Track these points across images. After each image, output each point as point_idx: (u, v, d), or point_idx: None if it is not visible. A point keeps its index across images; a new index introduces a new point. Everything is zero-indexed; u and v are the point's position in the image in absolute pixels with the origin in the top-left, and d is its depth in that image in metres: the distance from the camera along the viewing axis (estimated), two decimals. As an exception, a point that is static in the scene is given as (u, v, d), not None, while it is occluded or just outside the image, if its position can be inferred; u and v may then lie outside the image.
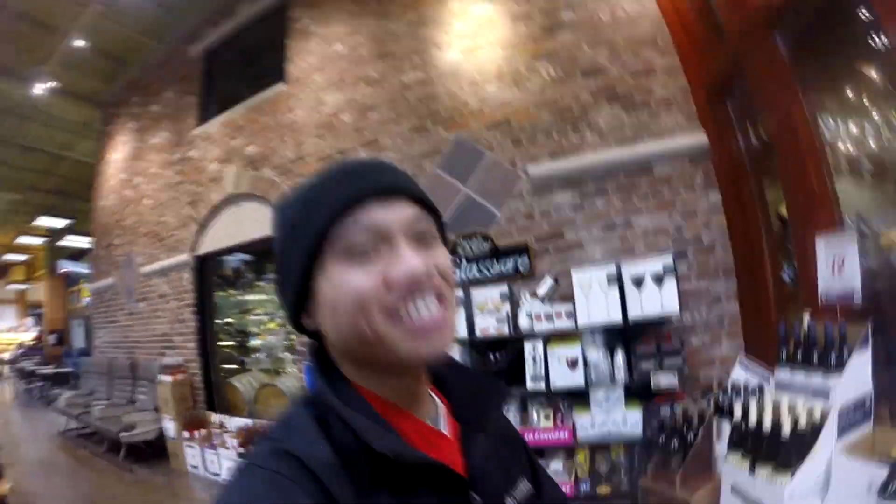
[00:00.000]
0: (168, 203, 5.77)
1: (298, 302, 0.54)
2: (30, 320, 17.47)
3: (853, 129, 2.62)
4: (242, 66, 5.49)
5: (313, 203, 0.52)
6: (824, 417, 1.39)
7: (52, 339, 14.32)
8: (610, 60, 3.33)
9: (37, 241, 14.28)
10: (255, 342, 5.73)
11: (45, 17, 5.54)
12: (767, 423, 1.41)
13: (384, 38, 4.13)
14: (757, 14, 2.60)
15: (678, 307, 2.66)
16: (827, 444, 1.37)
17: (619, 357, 2.73)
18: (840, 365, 1.53)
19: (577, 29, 3.44)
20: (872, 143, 2.54)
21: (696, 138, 3.10)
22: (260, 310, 5.67)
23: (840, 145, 2.63)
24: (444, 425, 0.61)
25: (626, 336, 2.84)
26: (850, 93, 2.57)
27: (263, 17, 5.25)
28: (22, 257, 16.38)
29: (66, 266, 13.71)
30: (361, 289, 0.49)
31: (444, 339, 0.53)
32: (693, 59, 3.24)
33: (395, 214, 0.51)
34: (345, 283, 0.50)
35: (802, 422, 1.36)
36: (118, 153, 6.95)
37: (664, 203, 3.11)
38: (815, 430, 1.37)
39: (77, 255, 13.86)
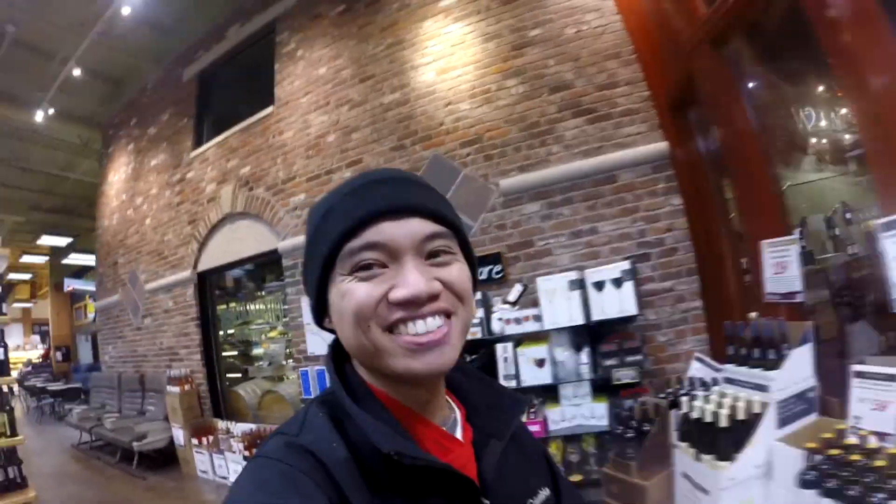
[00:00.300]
0: (169, 223, 6.13)
1: (319, 305, 0.58)
2: (36, 337, 17.92)
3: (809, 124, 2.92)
4: (234, 89, 5.84)
5: (331, 216, 0.55)
6: (763, 410, 1.51)
7: (59, 355, 14.73)
8: (575, 75, 3.62)
9: (40, 259, 14.69)
10: (257, 351, 6.07)
11: (44, 45, 5.90)
12: (710, 416, 1.55)
13: (365, 61, 4.45)
14: (703, 30, 2.86)
15: (636, 308, 2.96)
16: (766, 435, 1.50)
17: (584, 355, 3.04)
18: (778, 361, 1.67)
19: (544, 45, 3.73)
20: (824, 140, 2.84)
21: (658, 146, 3.37)
22: (261, 320, 6.01)
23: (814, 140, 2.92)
24: (460, 431, 0.62)
25: (591, 335, 3.14)
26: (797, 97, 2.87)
27: (252, 41, 5.60)
28: (26, 276, 16.81)
29: (72, 283, 14.11)
30: (362, 303, 0.51)
31: (443, 356, 0.53)
32: (655, 71, 3.50)
33: (405, 231, 0.53)
34: (347, 296, 0.52)
35: (742, 414, 1.50)
36: (119, 174, 7.32)
37: (628, 209, 3.39)
38: (753, 422, 1.50)
39: (80, 271, 14.26)
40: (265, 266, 5.58)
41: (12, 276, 15.98)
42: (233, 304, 6.21)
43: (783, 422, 1.56)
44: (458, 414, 0.64)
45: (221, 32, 5.82)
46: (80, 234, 12.54)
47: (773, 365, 1.70)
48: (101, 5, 5.18)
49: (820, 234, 2.92)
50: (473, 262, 0.60)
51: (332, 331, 0.60)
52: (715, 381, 2.09)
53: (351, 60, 4.54)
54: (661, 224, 3.34)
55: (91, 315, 13.29)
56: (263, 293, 5.92)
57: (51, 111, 6.82)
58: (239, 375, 5.94)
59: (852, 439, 1.27)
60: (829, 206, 2.95)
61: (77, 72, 6.14)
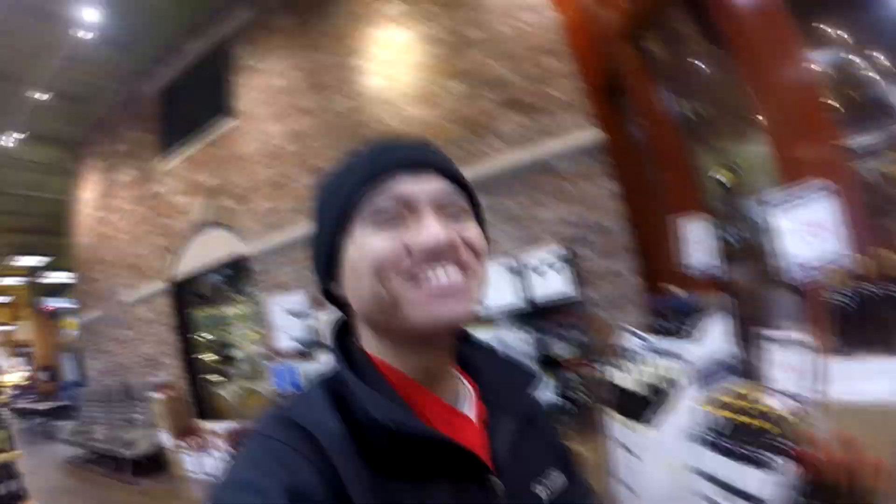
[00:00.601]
0: (142, 236, 6.42)
1: (329, 269, 0.57)
2: (19, 360, 17.99)
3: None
4: (196, 104, 6.10)
5: (346, 174, 0.56)
6: (679, 377, 1.74)
7: (44, 375, 14.90)
8: (512, 72, 3.92)
9: (17, 280, 14.81)
10: (236, 353, 6.39)
11: (8, 70, 6.10)
12: (633, 385, 1.80)
13: (317, 71, 4.76)
14: (623, 24, 3.17)
15: (573, 289, 3.32)
16: (685, 399, 1.69)
17: (528, 335, 3.40)
18: (693, 331, 1.93)
19: (482, 46, 4.04)
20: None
21: (592, 135, 3.66)
22: (239, 323, 6.32)
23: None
24: (470, 408, 0.61)
25: (536, 316, 3.49)
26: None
27: (209, 56, 5.87)
28: (5, 298, 16.89)
29: (50, 303, 14.27)
30: (382, 251, 0.51)
31: (463, 305, 0.53)
32: (587, 63, 3.80)
33: (423, 186, 0.54)
34: (367, 245, 0.52)
35: (661, 382, 1.74)
36: (90, 192, 7.58)
37: (566, 196, 3.70)
38: (671, 388, 1.72)
39: (58, 289, 14.41)
40: (239, 272, 5.89)
41: (-9, 299, 16.09)
42: (211, 310, 6.51)
43: (703, 385, 1.77)
44: (471, 391, 0.63)
45: (179, 48, 6.08)
46: (57, 253, 12.69)
47: (689, 335, 1.93)
48: (61, 29, 5.42)
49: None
50: (485, 228, 0.60)
51: (338, 301, 0.60)
52: (643, 352, 2.29)
53: (304, 70, 4.85)
54: (597, 207, 3.63)
55: (73, 332, 13.48)
56: (240, 297, 6.23)
57: (21, 136, 7.03)
58: (220, 378, 6.26)
59: (753, 401, 1.46)
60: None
61: (44, 96, 6.37)
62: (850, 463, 1.09)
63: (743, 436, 1.39)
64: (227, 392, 5.58)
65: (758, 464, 1.31)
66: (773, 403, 1.43)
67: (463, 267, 0.54)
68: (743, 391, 1.57)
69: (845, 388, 1.27)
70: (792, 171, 1.89)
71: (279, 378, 4.59)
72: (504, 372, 0.66)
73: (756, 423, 1.38)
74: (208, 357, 6.38)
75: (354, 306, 0.56)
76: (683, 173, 3.24)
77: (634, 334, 2.37)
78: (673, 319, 2.12)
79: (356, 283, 0.54)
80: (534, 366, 3.36)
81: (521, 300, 3.34)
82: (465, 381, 0.64)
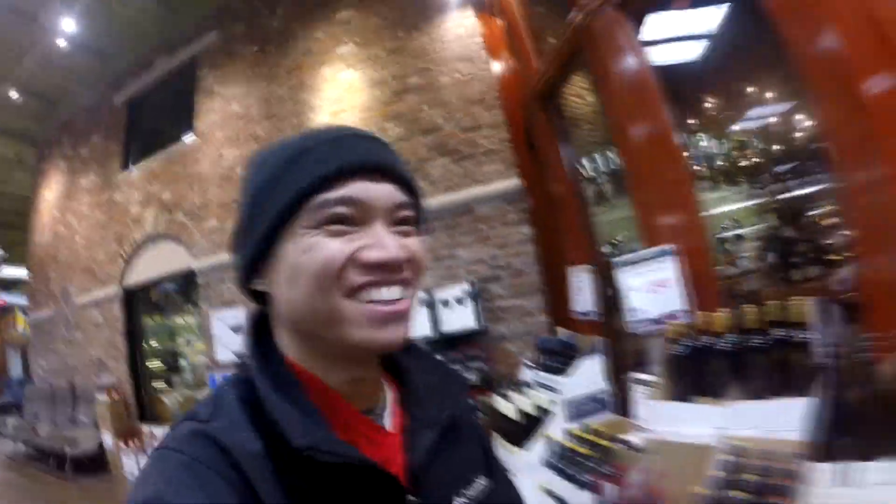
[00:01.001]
0: (98, 241, 6.84)
1: (255, 261, 0.54)
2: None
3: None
4: (160, 117, 6.59)
5: (295, 162, 0.52)
6: (551, 407, 2.03)
7: (-12, 371, 14.90)
8: (445, 119, 4.45)
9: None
10: (182, 362, 6.81)
11: None
12: (513, 412, 2.08)
13: (271, 101, 5.29)
14: (533, 86, 3.69)
15: (477, 323, 3.85)
16: (556, 428, 1.96)
17: (435, 359, 3.92)
18: (567, 368, 2.20)
19: (420, 92, 4.57)
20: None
21: (512, 183, 4.16)
22: (187, 333, 6.75)
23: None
24: (389, 416, 0.61)
25: (446, 346, 3.96)
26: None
27: (178, 73, 6.38)
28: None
29: (4, 297, 14.35)
30: (329, 262, 0.49)
31: (403, 329, 0.53)
32: (513, 115, 4.29)
33: (381, 193, 0.52)
34: (313, 250, 0.50)
35: (533, 410, 2.02)
36: (51, 191, 7.96)
37: (483, 237, 4.19)
38: (545, 417, 2.01)
39: (10, 284, 14.50)
40: (189, 284, 6.34)
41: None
42: (160, 319, 6.93)
43: (575, 417, 2.03)
44: (390, 396, 0.63)
45: (150, 62, 6.56)
46: (11, 249, 12.85)
47: (565, 371, 2.22)
48: (39, 31, 5.80)
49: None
50: (423, 239, 0.59)
51: (256, 295, 0.58)
52: (531, 384, 2.54)
53: (260, 99, 5.38)
54: (512, 250, 4.12)
55: (20, 328, 13.61)
56: (188, 309, 6.67)
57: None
58: (164, 385, 6.68)
59: (601, 433, 1.74)
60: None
61: (13, 94, 6.76)
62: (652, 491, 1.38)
63: (575, 461, 1.70)
64: (170, 399, 6.01)
65: (581, 485, 1.62)
66: (631, 437, 1.62)
67: (406, 285, 0.54)
68: (599, 426, 1.86)
69: (673, 427, 1.46)
70: (651, 233, 2.22)
71: (213, 385, 5.05)
72: (434, 378, 0.66)
73: (585, 450, 1.71)
74: (154, 364, 6.80)
75: (282, 310, 0.55)
76: (576, 227, 3.77)
77: (529, 367, 2.66)
78: (554, 357, 2.45)
79: (292, 288, 0.52)
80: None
81: (431, 330, 3.87)
82: (387, 386, 0.63)
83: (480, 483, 0.64)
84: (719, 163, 4.25)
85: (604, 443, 1.72)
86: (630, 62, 2.34)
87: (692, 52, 3.68)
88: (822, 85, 1.53)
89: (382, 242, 0.52)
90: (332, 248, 0.50)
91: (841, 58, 1.44)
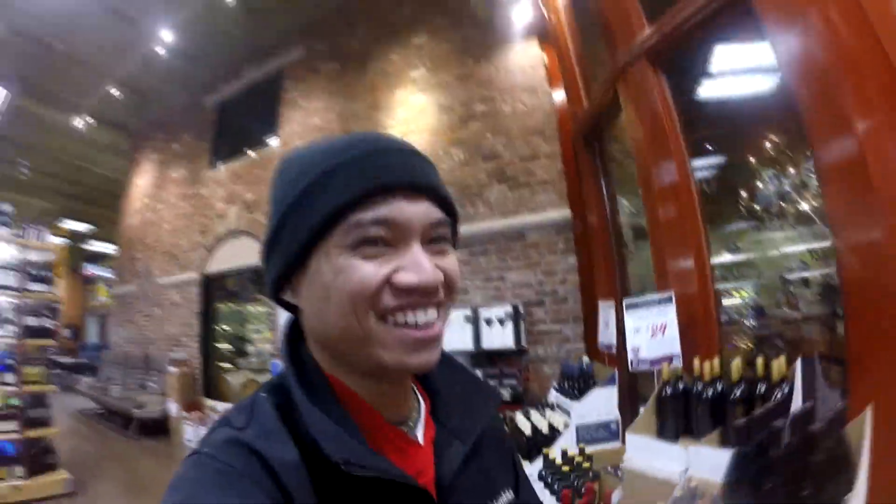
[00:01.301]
0: (183, 229, 7.73)
1: (286, 273, 0.54)
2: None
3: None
4: (245, 123, 7.38)
5: (337, 176, 0.52)
6: (563, 429, 2.22)
7: (67, 333, 16.54)
8: (505, 147, 4.83)
9: (58, 241, 16.50)
10: (249, 348, 7.57)
11: (86, 59, 7.34)
12: (528, 429, 2.31)
13: (348, 117, 5.90)
14: (580, 125, 3.99)
15: (515, 343, 4.21)
16: (557, 447, 2.10)
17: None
18: (580, 394, 2.44)
19: (484, 120, 4.97)
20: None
21: (563, 213, 4.44)
22: (256, 321, 7.50)
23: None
24: (421, 428, 0.61)
25: (487, 361, 4.38)
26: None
27: (263, 83, 7.13)
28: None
29: (90, 269, 15.92)
30: (364, 284, 0.50)
31: (435, 353, 0.54)
32: (568, 148, 4.54)
33: (419, 213, 0.52)
34: (348, 271, 0.50)
35: (546, 429, 2.26)
36: (143, 179, 8.98)
37: (531, 263, 4.52)
38: (556, 435, 2.25)
39: (94, 257, 16.06)
40: (260, 278, 7.03)
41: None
42: (233, 306, 7.73)
43: (586, 441, 2.21)
44: (423, 407, 0.64)
45: (240, 70, 7.36)
46: (100, 224, 14.27)
47: (578, 397, 2.43)
48: (141, 34, 6.58)
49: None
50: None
51: (288, 306, 0.59)
52: (552, 405, 2.84)
53: (338, 115, 6.00)
54: (557, 277, 4.42)
55: (101, 298, 15.04)
56: (259, 299, 7.40)
57: (91, 121, 8.44)
58: (230, 365, 7.45)
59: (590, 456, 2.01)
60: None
61: (114, 91, 7.72)
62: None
63: (560, 477, 1.95)
64: (234, 379, 6.74)
65: (556, 495, 1.87)
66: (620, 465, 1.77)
67: (440, 306, 0.54)
68: (593, 451, 2.06)
69: (647, 460, 1.61)
70: (660, 277, 2.48)
71: (275, 372, 5.68)
72: (465, 392, 0.67)
73: (567, 469, 1.98)
74: (224, 346, 7.59)
75: (313, 326, 0.56)
76: (606, 262, 3.98)
77: (554, 389, 2.90)
78: (572, 382, 2.69)
79: (323, 306, 0.52)
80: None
81: (472, 345, 4.30)
82: (420, 395, 0.65)
83: (507, 496, 0.66)
84: (781, 202, 4.32)
85: (586, 465, 1.96)
86: (655, 111, 2.57)
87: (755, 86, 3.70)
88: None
89: (419, 265, 0.51)
90: (366, 270, 0.50)
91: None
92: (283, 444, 0.49)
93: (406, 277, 0.51)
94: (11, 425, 4.60)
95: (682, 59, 2.66)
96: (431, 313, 0.53)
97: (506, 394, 4.19)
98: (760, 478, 1.17)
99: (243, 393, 6.59)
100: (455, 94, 5.24)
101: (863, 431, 1.24)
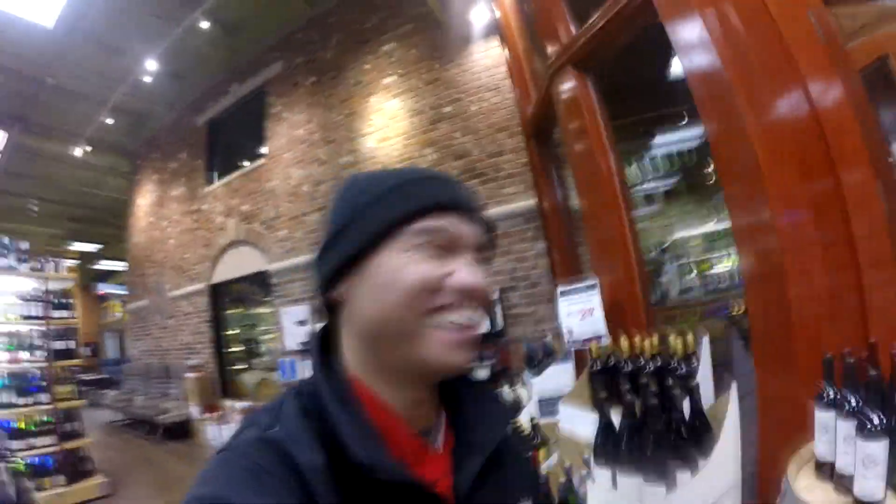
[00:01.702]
0: (188, 244, 8.38)
1: (340, 270, 0.61)
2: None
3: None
4: (236, 139, 7.93)
5: (405, 191, 0.60)
6: (524, 401, 2.53)
7: (86, 351, 17.33)
8: (473, 145, 5.27)
9: (70, 262, 17.19)
10: (260, 347, 8.18)
11: (79, 90, 7.80)
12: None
13: (329, 127, 6.41)
14: (530, 124, 4.40)
15: (494, 327, 4.64)
16: (526, 417, 2.32)
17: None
18: (541, 370, 2.74)
19: (453, 120, 5.40)
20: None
21: (529, 203, 4.83)
22: (264, 323, 8.10)
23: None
24: (441, 437, 0.66)
25: None
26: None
27: (249, 99, 7.63)
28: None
29: (103, 287, 16.65)
30: (426, 277, 0.57)
31: (470, 355, 0.60)
32: (530, 143, 4.85)
33: (470, 231, 0.62)
34: (412, 266, 0.57)
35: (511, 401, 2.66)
36: (145, 199, 9.61)
37: (504, 251, 4.87)
38: (518, 407, 2.50)
39: (105, 275, 16.78)
40: (264, 283, 7.59)
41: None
42: (240, 310, 8.38)
43: (546, 414, 2.37)
44: (443, 417, 0.68)
45: (225, 89, 7.88)
46: (108, 242, 14.90)
47: (539, 372, 2.62)
48: (125, 60, 6.98)
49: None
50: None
51: (330, 306, 0.64)
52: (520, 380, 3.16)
53: (319, 125, 6.52)
54: (529, 263, 4.83)
55: (117, 314, 15.77)
56: (265, 302, 7.94)
57: (88, 148, 8.97)
58: (244, 365, 8.10)
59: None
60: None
61: (109, 120, 8.25)
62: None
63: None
64: (248, 377, 7.36)
65: None
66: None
67: (481, 312, 0.62)
68: (543, 421, 2.27)
69: (573, 426, 1.87)
70: (593, 264, 2.86)
71: (283, 370, 6.28)
72: (482, 406, 0.70)
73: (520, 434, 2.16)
74: (237, 348, 8.25)
75: (358, 321, 0.61)
76: (559, 247, 4.41)
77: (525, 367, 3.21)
78: (534, 360, 2.98)
79: (378, 299, 0.58)
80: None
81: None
82: (440, 406, 0.69)
83: None
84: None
85: (529, 432, 2.22)
86: (580, 109, 2.88)
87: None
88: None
89: (471, 270, 0.60)
90: (427, 267, 0.58)
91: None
92: (310, 446, 0.53)
93: (462, 278, 0.59)
94: (50, 440, 5.10)
95: (605, 58, 2.88)
96: (476, 314, 0.61)
97: (484, 373, 4.37)
98: (625, 434, 1.42)
99: (258, 391, 7.20)
100: (425, 97, 5.65)
101: (727, 404, 1.44)
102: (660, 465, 1.39)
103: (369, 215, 0.60)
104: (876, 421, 0.99)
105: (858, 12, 2.35)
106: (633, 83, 4.40)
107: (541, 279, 4.81)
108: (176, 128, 8.87)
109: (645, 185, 6.64)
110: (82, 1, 5.99)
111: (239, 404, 7.12)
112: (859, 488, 1.02)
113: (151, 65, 7.00)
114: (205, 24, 6.46)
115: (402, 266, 0.57)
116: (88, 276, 17.08)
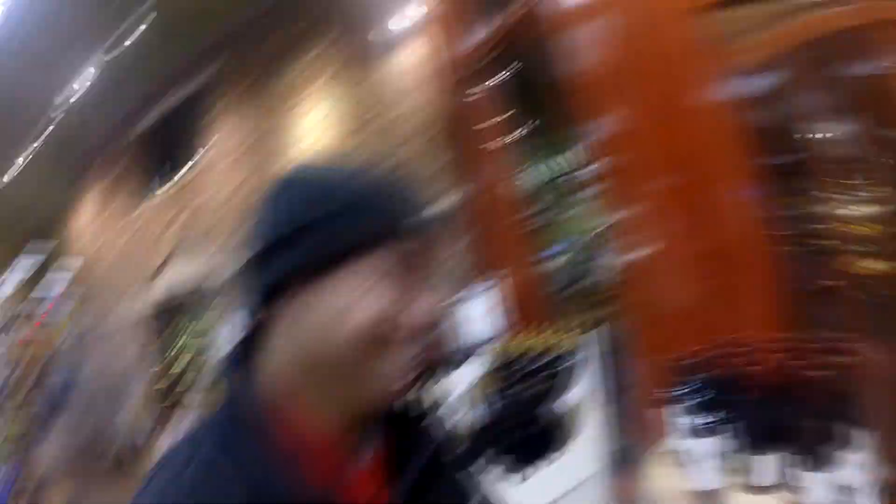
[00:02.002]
0: (130, 257, 8.30)
1: (280, 284, 0.54)
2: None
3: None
4: (173, 148, 7.83)
5: (370, 200, 0.55)
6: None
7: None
8: (401, 145, 5.27)
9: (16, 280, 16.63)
10: (202, 362, 8.06)
11: (12, 110, 7.46)
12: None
13: (263, 132, 6.39)
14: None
15: None
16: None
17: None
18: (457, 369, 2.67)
19: (381, 121, 5.40)
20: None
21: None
22: (206, 336, 7.99)
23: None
24: (372, 453, 0.62)
25: None
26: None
27: (184, 106, 7.50)
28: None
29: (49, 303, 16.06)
30: (383, 313, 0.52)
31: (412, 389, 0.59)
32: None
33: (430, 254, 0.58)
34: (372, 298, 0.52)
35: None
36: (85, 215, 9.53)
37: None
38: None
39: (49, 290, 16.21)
40: (205, 296, 7.61)
41: None
42: (187, 324, 8.24)
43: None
44: (376, 432, 0.64)
45: (162, 95, 7.72)
46: (53, 259, 14.40)
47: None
48: (58, 75, 6.80)
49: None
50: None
51: (260, 319, 0.58)
52: None
53: (254, 131, 6.49)
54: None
55: (62, 336, 15.27)
56: (208, 314, 7.94)
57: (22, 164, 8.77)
58: (190, 379, 7.99)
59: None
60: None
61: (43, 137, 8.08)
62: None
63: None
64: (192, 393, 7.37)
65: None
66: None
67: (429, 347, 0.59)
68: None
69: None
70: (491, 265, 3.05)
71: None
72: (415, 416, 0.69)
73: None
74: (186, 357, 8.14)
75: (305, 339, 0.55)
76: (496, 237, 4.52)
77: None
78: (454, 360, 2.90)
79: (322, 331, 0.53)
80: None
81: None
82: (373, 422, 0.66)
83: None
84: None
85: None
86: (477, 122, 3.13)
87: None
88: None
89: (428, 304, 0.56)
90: (383, 301, 0.53)
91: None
92: (227, 484, 0.49)
93: (418, 313, 0.55)
94: None
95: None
96: (420, 349, 0.58)
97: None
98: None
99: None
100: (354, 100, 5.69)
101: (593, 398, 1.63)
102: (517, 457, 1.61)
103: (331, 228, 0.54)
104: (710, 418, 1.14)
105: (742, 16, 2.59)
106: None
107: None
108: (114, 140, 8.68)
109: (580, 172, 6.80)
110: (13, 18, 5.82)
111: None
112: (699, 479, 1.17)
113: (87, 76, 6.85)
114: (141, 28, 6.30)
115: (362, 294, 0.53)
116: (32, 293, 16.54)
